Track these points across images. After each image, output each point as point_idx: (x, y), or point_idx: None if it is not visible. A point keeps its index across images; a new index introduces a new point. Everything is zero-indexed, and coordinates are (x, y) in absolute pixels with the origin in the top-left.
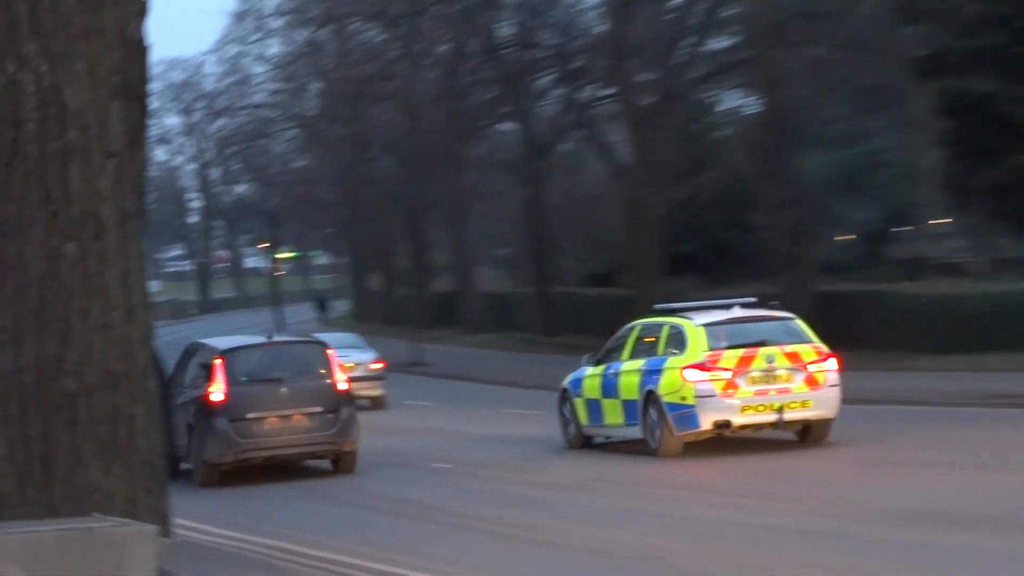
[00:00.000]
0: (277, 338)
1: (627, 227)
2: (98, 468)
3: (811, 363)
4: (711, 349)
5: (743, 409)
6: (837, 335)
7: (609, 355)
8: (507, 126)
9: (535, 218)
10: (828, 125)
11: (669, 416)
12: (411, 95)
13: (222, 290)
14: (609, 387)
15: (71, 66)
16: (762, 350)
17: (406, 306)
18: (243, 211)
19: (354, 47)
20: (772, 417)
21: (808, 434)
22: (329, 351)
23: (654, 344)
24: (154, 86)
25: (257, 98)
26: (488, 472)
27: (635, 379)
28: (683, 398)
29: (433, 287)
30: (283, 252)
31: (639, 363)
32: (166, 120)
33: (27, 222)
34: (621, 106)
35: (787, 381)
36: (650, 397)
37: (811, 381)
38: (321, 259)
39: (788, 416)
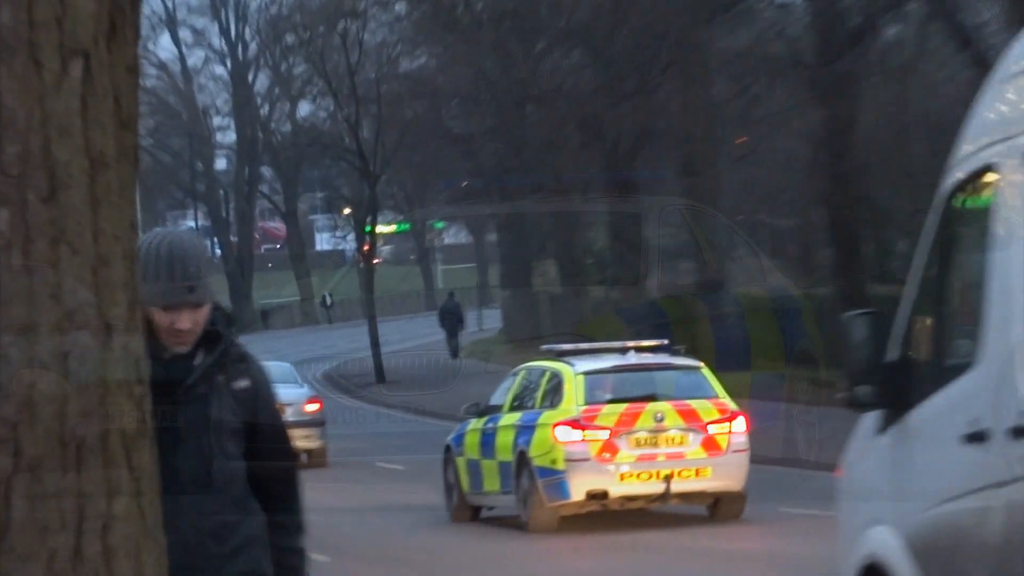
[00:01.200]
0: None
1: None
2: None
3: (712, 423)
4: (588, 403)
5: (623, 477)
6: None
7: (493, 405)
8: None
9: (838, 161)
10: None
11: (539, 483)
12: None
13: (275, 289)
14: (487, 445)
15: None
16: (650, 406)
17: (602, 317)
18: (311, 150)
19: None
20: (659, 487)
21: (717, 509)
22: None
23: (534, 394)
24: None
25: None
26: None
27: (510, 436)
28: (553, 461)
29: (651, 285)
30: (382, 224)
31: (516, 417)
32: None
33: None
34: None
35: (680, 444)
36: (522, 459)
37: (710, 445)
38: (451, 236)
39: (678, 487)
